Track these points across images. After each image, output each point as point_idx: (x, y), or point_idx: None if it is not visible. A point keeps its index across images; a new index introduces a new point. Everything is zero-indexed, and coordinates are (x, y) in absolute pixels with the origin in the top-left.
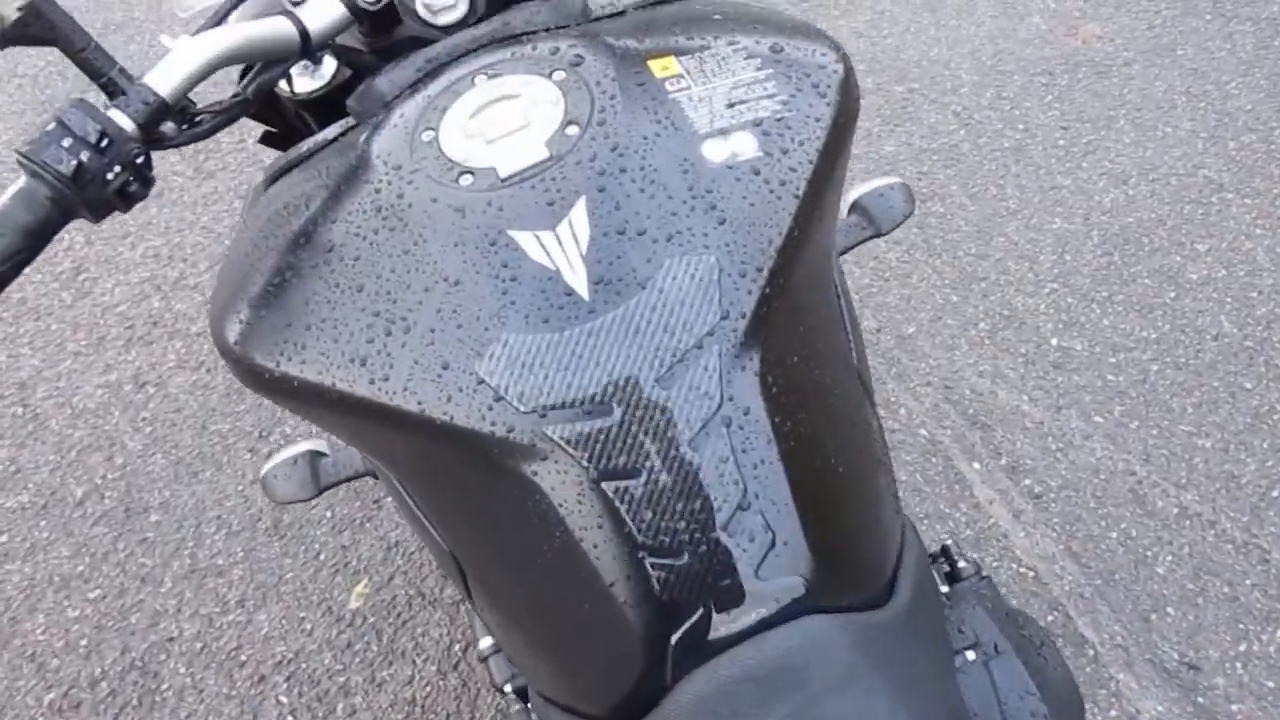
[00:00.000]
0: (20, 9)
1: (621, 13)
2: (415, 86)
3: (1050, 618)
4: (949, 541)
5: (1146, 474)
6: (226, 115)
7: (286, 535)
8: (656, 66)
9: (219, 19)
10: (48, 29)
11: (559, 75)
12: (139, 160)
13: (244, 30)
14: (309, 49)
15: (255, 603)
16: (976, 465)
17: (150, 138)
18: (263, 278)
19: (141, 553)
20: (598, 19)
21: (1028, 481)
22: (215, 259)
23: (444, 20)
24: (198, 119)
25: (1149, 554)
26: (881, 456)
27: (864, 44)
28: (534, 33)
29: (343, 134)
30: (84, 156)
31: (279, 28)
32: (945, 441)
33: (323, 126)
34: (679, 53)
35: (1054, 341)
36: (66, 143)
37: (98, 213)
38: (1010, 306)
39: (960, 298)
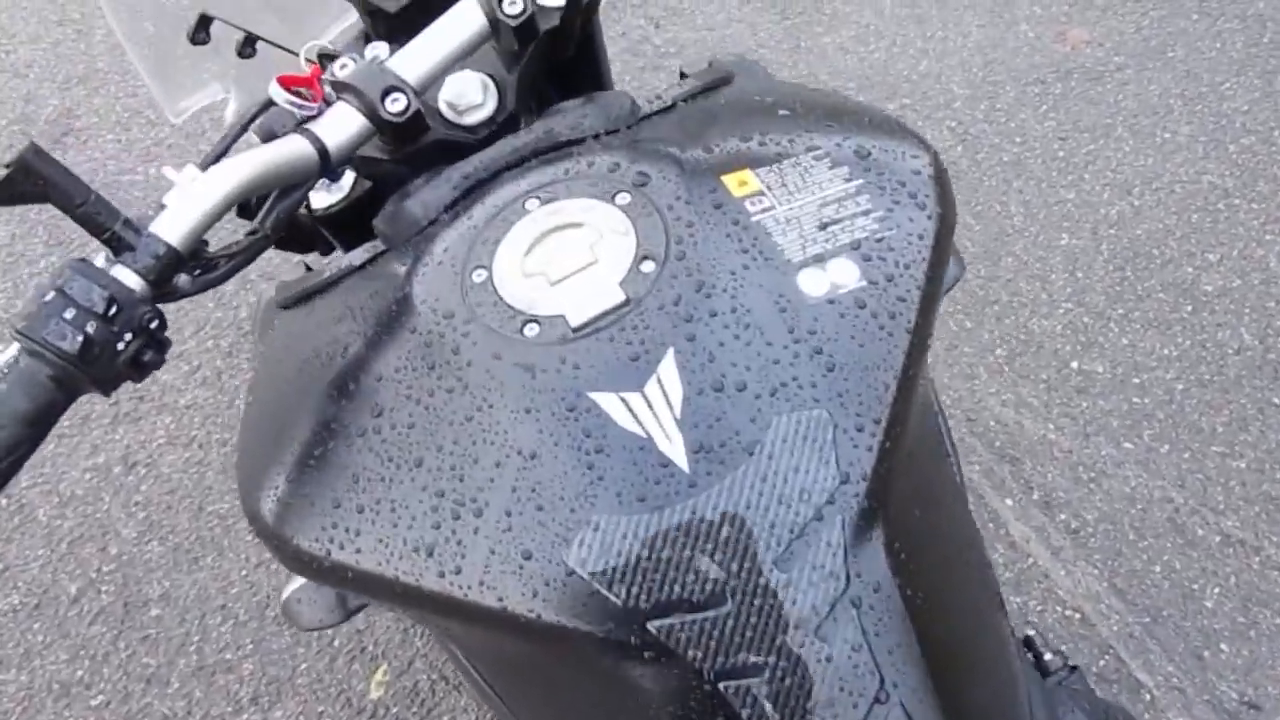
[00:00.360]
0: (7, 166)
1: (671, 107)
2: (454, 210)
3: (1102, 662)
4: (1032, 633)
5: (1184, 501)
6: (245, 256)
7: None
8: (732, 183)
9: (226, 144)
10: (39, 186)
11: (623, 198)
12: (153, 324)
13: (258, 157)
14: (328, 167)
15: (270, 699)
16: (1009, 501)
17: (161, 294)
18: (299, 445)
19: (144, 651)
20: (647, 117)
21: (1063, 516)
22: (200, 324)
23: (470, 120)
24: (211, 263)
25: (1195, 587)
26: (995, 587)
27: (852, 60)
28: (581, 141)
29: (372, 260)
30: (91, 328)
31: (295, 149)
32: (974, 478)
33: (341, 240)
34: (755, 164)
35: (1074, 365)
36: (69, 314)
37: (108, 387)
38: (1026, 330)
39: (974, 323)
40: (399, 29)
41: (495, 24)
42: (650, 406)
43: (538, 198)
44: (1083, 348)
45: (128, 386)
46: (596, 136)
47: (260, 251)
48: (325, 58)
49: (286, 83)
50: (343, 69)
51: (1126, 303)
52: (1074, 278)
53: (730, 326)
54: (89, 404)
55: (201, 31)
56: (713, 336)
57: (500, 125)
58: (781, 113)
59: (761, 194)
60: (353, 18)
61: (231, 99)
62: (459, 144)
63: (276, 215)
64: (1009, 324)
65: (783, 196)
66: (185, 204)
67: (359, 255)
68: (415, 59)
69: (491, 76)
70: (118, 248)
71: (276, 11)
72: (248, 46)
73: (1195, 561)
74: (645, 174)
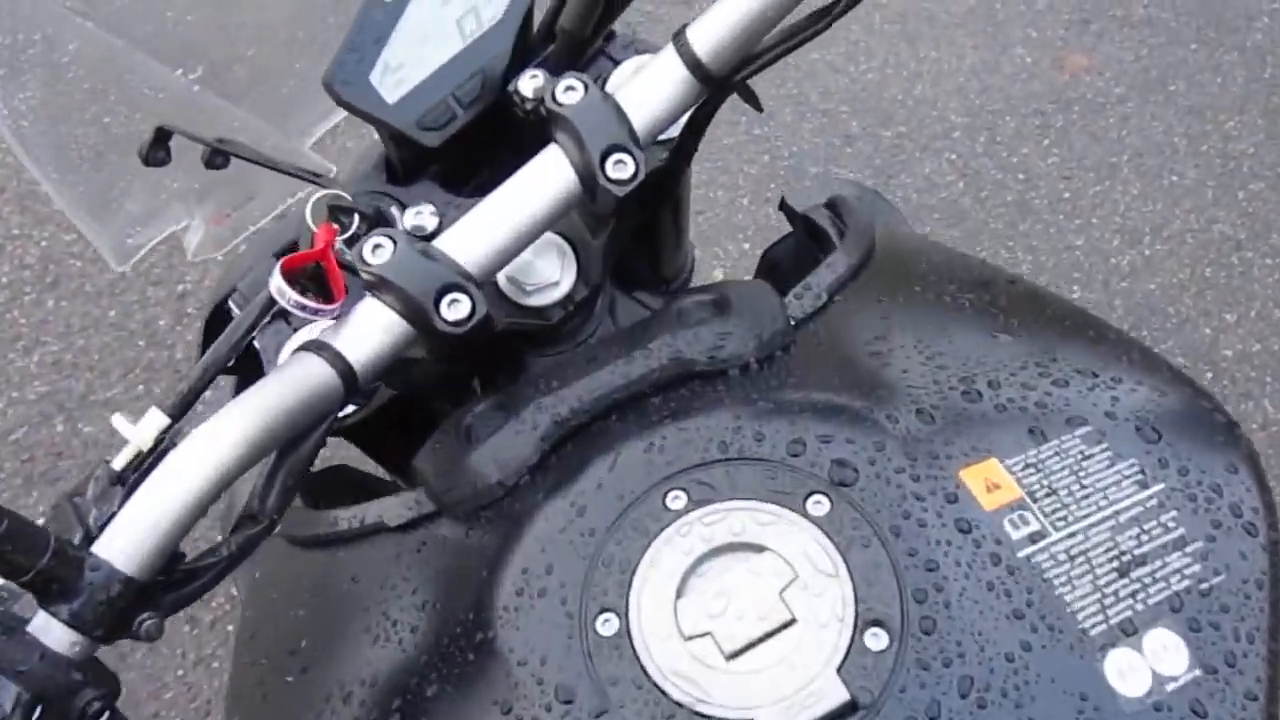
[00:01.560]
0: None
1: (827, 305)
2: (544, 473)
3: None
4: None
5: None
6: (235, 558)
7: None
8: (976, 484)
9: (206, 378)
10: None
11: (818, 505)
12: (104, 713)
13: (260, 403)
14: (354, 392)
15: None
16: None
17: (112, 642)
18: None
19: None
20: (803, 324)
21: None
22: (129, 365)
23: (538, 301)
24: (186, 576)
25: None
26: None
27: (844, 81)
28: (724, 372)
29: (414, 522)
30: None
31: (310, 377)
32: None
33: (367, 450)
34: (1001, 447)
35: None
36: None
37: None
38: None
39: None
40: (432, 162)
41: (592, 188)
42: None
43: (683, 489)
44: None
45: (45, 443)
46: (746, 367)
47: (257, 546)
48: (339, 212)
49: (292, 266)
50: (376, 251)
51: None
52: None
53: None
54: None
55: (159, 149)
56: None
57: (577, 306)
58: (1002, 338)
59: (1023, 506)
60: (342, 114)
61: (194, 225)
62: (528, 336)
63: (282, 486)
64: None
65: (1055, 512)
66: (152, 504)
67: (395, 511)
68: (479, 237)
69: (566, 238)
70: (46, 593)
71: (256, 111)
72: (218, 156)
73: None
74: (847, 464)
